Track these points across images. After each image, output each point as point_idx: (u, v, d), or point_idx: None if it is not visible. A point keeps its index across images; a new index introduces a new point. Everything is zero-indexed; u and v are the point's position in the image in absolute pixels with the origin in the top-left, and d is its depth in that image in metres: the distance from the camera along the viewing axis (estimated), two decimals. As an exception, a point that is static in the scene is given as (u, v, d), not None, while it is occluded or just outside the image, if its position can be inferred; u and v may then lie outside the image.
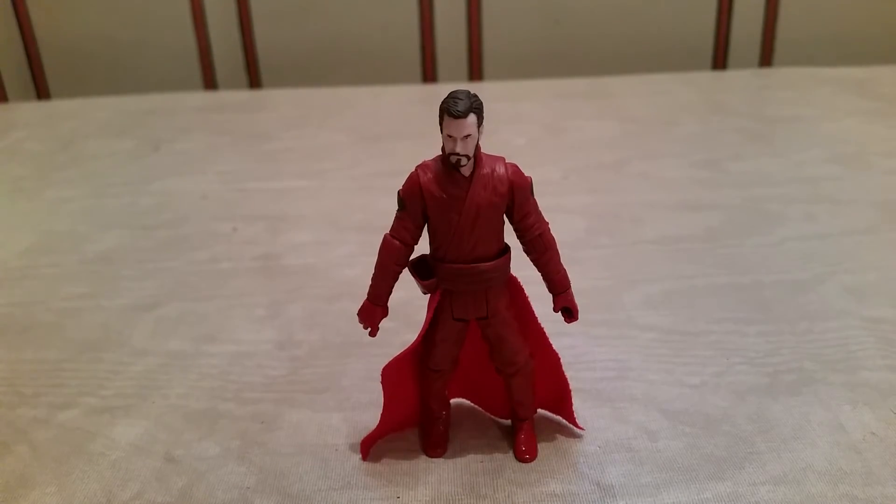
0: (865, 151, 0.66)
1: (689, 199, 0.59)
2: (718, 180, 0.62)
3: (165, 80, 0.97)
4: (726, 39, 0.96)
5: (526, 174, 0.30)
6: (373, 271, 0.31)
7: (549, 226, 0.31)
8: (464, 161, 0.28)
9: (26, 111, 0.88)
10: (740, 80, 0.90)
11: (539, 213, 0.30)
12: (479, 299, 0.31)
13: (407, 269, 0.31)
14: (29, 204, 0.62)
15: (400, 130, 0.76)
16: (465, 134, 0.28)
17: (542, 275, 0.31)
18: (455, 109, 0.27)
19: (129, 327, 0.44)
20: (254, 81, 0.98)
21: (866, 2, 0.95)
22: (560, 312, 0.32)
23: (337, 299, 0.46)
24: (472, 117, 0.28)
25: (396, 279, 0.31)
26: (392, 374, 0.32)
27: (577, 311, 0.32)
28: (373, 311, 0.31)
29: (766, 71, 0.94)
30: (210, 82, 0.98)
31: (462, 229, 0.29)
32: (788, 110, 0.78)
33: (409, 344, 0.32)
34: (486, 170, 0.29)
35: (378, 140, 0.73)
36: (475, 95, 0.28)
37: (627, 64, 0.95)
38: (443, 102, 0.28)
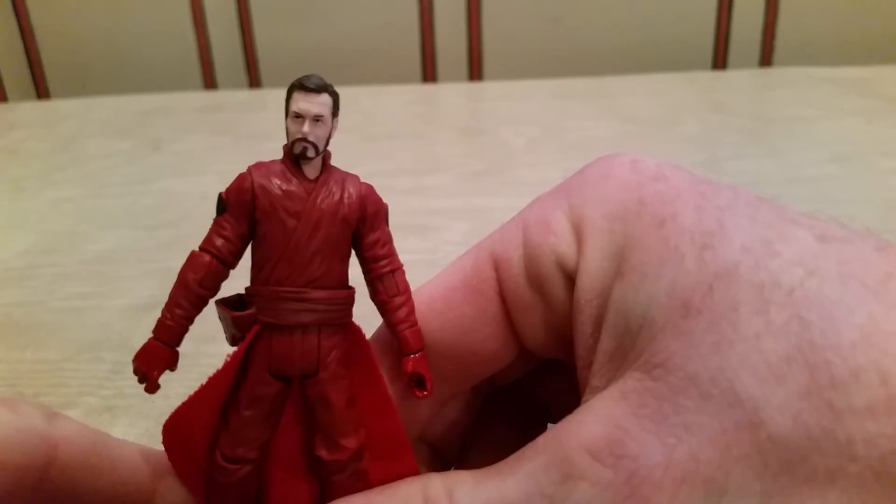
0: (865, 151, 0.66)
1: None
2: (718, 180, 0.62)
3: (165, 80, 0.97)
4: (726, 39, 0.96)
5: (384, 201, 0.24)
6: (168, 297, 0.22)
7: (404, 270, 0.24)
8: (310, 151, 0.22)
9: (26, 111, 0.88)
10: (740, 80, 0.90)
11: (394, 250, 0.23)
12: (309, 345, 0.22)
13: (216, 303, 0.23)
14: (29, 204, 0.62)
15: (400, 130, 0.76)
16: (317, 114, 0.22)
17: (389, 328, 0.23)
18: (308, 82, 0.22)
19: (129, 327, 0.44)
20: (254, 81, 0.98)
21: (866, 2, 0.95)
22: (408, 381, 0.23)
23: (337, 299, 0.46)
24: (326, 97, 0.22)
25: (198, 310, 0.22)
26: (177, 430, 0.23)
27: (430, 382, 0.23)
28: (157, 354, 0.22)
29: (766, 71, 0.94)
30: (210, 82, 0.98)
31: (298, 238, 0.22)
32: (788, 110, 0.78)
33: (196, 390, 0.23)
34: (337, 177, 0.23)
35: (378, 140, 0.73)
36: (333, 86, 0.23)
37: (627, 64, 0.95)
38: (293, 83, 0.23)
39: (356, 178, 0.23)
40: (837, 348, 0.17)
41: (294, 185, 0.22)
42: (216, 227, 0.22)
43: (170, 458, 0.23)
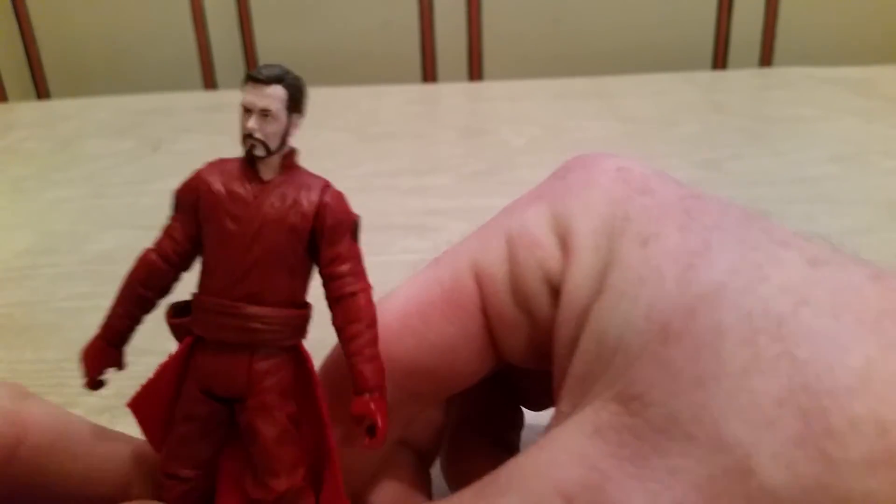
0: (865, 151, 0.66)
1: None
2: (718, 180, 0.62)
3: (165, 80, 0.97)
4: (726, 39, 0.96)
5: (354, 213, 0.21)
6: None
7: (368, 294, 0.20)
8: (259, 149, 0.20)
9: (26, 111, 0.88)
10: (740, 80, 0.90)
11: (360, 269, 0.20)
12: (238, 366, 0.19)
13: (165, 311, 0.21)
14: (29, 204, 0.62)
15: (400, 130, 0.76)
16: (264, 108, 0.20)
17: (347, 360, 0.20)
18: (258, 72, 0.20)
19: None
20: (254, 81, 0.98)
21: (866, 2, 0.95)
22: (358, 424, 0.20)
23: (337, 299, 0.46)
24: (278, 90, 0.20)
25: (142, 310, 0.21)
26: (146, 403, 0.22)
27: (383, 431, 0.19)
28: (102, 353, 0.21)
29: (766, 71, 0.94)
30: (210, 82, 0.98)
31: (235, 244, 0.19)
32: (788, 110, 0.78)
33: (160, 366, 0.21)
34: (298, 181, 0.20)
35: (378, 140, 0.73)
36: (297, 76, 0.21)
37: (627, 64, 0.95)
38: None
39: (322, 183, 0.20)
40: (834, 394, 0.15)
41: (241, 187, 0.20)
42: (167, 226, 0.21)
43: (144, 432, 0.22)
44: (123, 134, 0.78)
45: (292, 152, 0.20)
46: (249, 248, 0.19)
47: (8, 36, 0.96)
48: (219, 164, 0.21)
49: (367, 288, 0.20)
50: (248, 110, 0.20)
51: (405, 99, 0.86)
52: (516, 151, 0.68)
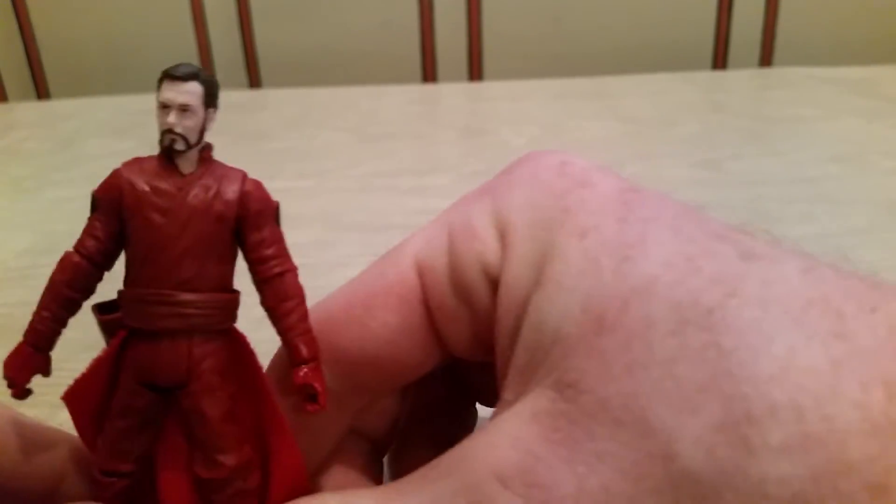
0: (865, 151, 0.66)
1: (689, 199, 0.58)
2: (718, 180, 0.62)
3: (165, 80, 0.97)
4: (726, 39, 0.96)
5: (274, 199, 0.22)
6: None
7: (294, 274, 0.22)
8: (179, 143, 0.21)
9: (26, 111, 0.88)
10: (740, 80, 0.90)
11: (285, 251, 0.22)
12: (178, 352, 0.20)
13: (91, 308, 0.22)
14: (29, 204, 0.62)
15: (400, 130, 0.76)
16: (183, 103, 0.20)
17: (280, 337, 0.21)
18: (175, 70, 0.21)
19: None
20: (254, 81, 0.98)
21: (866, 2, 0.95)
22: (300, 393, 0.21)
23: (337, 299, 0.46)
24: (195, 86, 0.21)
25: (69, 312, 0.22)
26: (80, 398, 0.22)
27: (323, 395, 0.21)
28: (28, 359, 0.22)
29: (766, 71, 0.94)
30: (210, 82, 0.98)
31: (165, 237, 0.20)
32: (788, 110, 0.78)
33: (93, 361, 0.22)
34: (216, 172, 0.21)
35: (378, 140, 0.73)
36: (210, 73, 0.21)
37: (627, 64, 0.95)
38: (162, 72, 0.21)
39: (240, 173, 0.22)
40: (755, 381, 0.16)
41: (164, 182, 0.21)
42: (88, 226, 0.22)
43: (77, 428, 0.22)
44: (123, 134, 0.78)
45: (208, 146, 0.21)
46: (178, 238, 0.20)
47: (8, 36, 0.96)
48: (137, 163, 0.21)
49: (293, 268, 0.22)
50: (165, 106, 0.21)
51: (405, 99, 0.86)
52: (516, 151, 0.67)
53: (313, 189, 0.62)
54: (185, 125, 0.21)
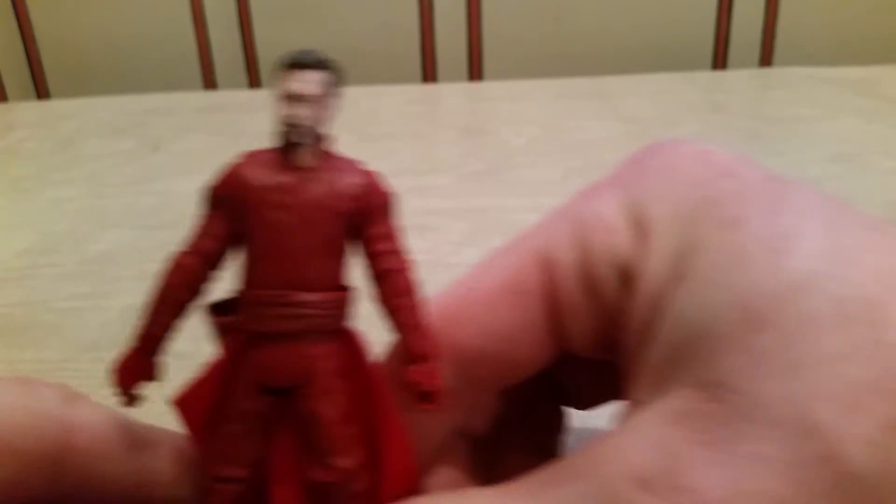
0: (865, 151, 0.66)
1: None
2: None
3: (165, 80, 0.97)
4: (726, 39, 0.96)
5: (391, 191, 0.21)
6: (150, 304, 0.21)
7: (411, 269, 0.21)
8: (305, 137, 0.19)
9: (26, 111, 0.88)
10: (740, 80, 0.90)
11: (399, 245, 0.21)
12: (296, 354, 0.20)
13: (206, 311, 0.21)
14: (29, 204, 0.62)
15: (400, 130, 0.76)
16: (309, 94, 0.19)
17: (395, 334, 0.21)
18: (300, 57, 0.19)
19: (129, 327, 0.44)
20: (254, 81, 0.98)
21: (866, 2, 0.95)
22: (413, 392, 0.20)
23: (337, 299, 0.46)
24: (321, 74, 0.19)
25: (179, 316, 0.21)
26: (192, 401, 0.21)
27: (438, 395, 0.20)
28: (138, 366, 0.21)
29: (766, 71, 0.94)
30: (210, 82, 0.98)
31: (283, 235, 0.19)
32: (788, 110, 0.78)
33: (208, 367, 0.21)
34: (335, 165, 0.20)
35: (378, 140, 0.73)
36: (334, 60, 0.20)
37: (627, 64, 0.95)
38: (285, 59, 0.20)
39: (358, 164, 0.21)
40: None
41: (283, 176, 0.20)
42: (204, 224, 0.20)
43: (189, 433, 0.21)
44: (123, 134, 0.78)
45: (327, 138, 0.20)
46: (297, 236, 0.19)
47: (8, 36, 0.96)
48: (254, 156, 0.20)
49: (408, 263, 0.21)
50: (288, 97, 0.19)
51: (405, 99, 0.86)
52: (516, 151, 0.68)
53: (313, 189, 0.62)
54: (311, 117, 0.19)
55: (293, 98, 0.19)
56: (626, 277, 0.20)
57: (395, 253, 0.20)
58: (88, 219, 0.59)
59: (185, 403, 0.21)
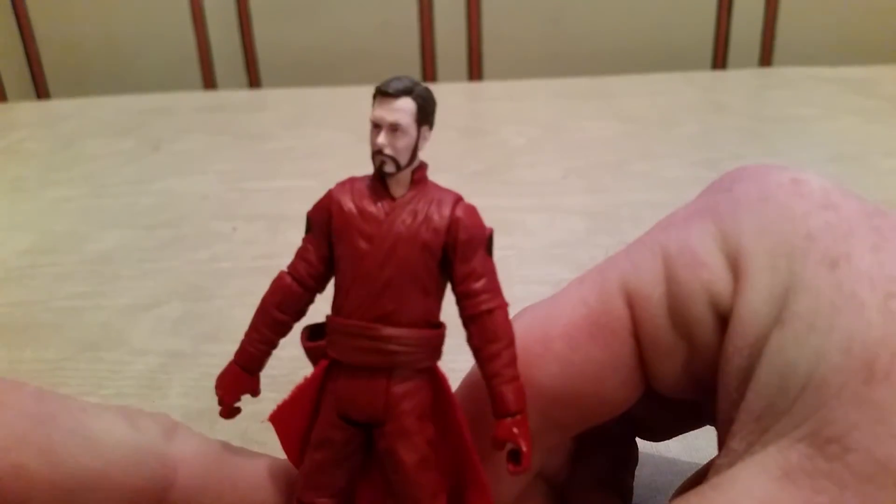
0: (865, 151, 0.66)
1: (690, 199, 0.59)
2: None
3: (165, 80, 0.97)
4: (726, 39, 0.96)
5: (487, 226, 0.20)
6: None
7: (508, 309, 0.20)
8: (388, 165, 0.19)
9: (26, 111, 0.88)
10: (740, 80, 0.90)
11: (495, 284, 0.20)
12: (376, 389, 0.19)
13: (301, 334, 0.21)
14: (29, 204, 0.62)
15: (400, 130, 0.76)
16: (394, 122, 0.19)
17: (485, 381, 0.19)
18: (386, 86, 0.19)
19: (129, 327, 0.44)
20: (254, 81, 0.98)
21: (866, 2, 0.95)
22: (499, 449, 0.19)
23: (337, 299, 0.46)
24: (407, 102, 0.19)
25: (278, 335, 0.21)
26: (286, 420, 0.22)
27: (527, 456, 0.19)
28: (238, 380, 0.21)
29: (766, 71, 0.94)
30: (210, 82, 0.98)
31: (369, 265, 0.19)
32: (788, 110, 0.78)
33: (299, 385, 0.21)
34: (428, 196, 0.20)
35: (378, 140, 0.73)
36: (425, 88, 0.20)
37: (627, 64, 0.95)
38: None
39: (453, 197, 0.20)
40: None
41: (372, 205, 0.19)
42: (301, 248, 0.21)
43: (285, 451, 0.21)
44: (123, 134, 0.78)
45: (422, 166, 0.20)
46: (383, 267, 0.19)
47: (8, 36, 0.96)
48: (349, 183, 0.20)
49: (503, 305, 0.20)
50: (377, 125, 0.19)
51: (405, 99, 0.86)
52: (516, 151, 0.68)
53: (313, 189, 0.62)
54: (395, 146, 0.19)
55: (379, 126, 0.19)
56: (722, 317, 0.19)
57: (489, 292, 0.19)
58: (88, 219, 0.59)
59: (281, 421, 0.21)
